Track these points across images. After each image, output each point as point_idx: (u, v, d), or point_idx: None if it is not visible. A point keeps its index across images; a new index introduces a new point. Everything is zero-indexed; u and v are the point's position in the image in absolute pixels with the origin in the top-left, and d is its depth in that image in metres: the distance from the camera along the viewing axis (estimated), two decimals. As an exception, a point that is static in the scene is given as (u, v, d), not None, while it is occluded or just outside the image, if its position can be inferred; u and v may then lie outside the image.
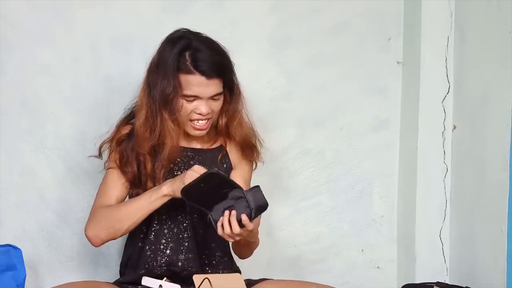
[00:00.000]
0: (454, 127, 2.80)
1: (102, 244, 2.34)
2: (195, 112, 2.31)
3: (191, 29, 2.37)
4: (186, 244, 2.36)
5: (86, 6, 2.74)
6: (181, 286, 2.26)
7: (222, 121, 2.38)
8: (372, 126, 2.94)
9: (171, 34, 2.35)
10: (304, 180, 2.90)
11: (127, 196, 2.40)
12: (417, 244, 2.82)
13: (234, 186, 2.18)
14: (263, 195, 2.16)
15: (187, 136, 2.38)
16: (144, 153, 2.33)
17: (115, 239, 2.36)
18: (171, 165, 2.36)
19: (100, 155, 2.42)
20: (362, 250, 2.94)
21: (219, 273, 2.37)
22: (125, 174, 2.36)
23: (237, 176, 2.44)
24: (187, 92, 2.28)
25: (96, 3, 2.75)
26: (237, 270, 2.44)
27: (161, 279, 2.29)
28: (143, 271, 2.33)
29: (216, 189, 2.16)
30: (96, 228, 2.31)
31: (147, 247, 2.35)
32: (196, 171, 2.21)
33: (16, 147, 2.71)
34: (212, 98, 2.31)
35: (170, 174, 2.35)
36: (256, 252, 2.79)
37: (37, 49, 2.72)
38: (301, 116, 2.90)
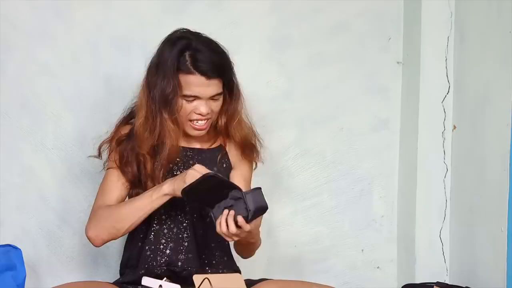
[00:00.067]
0: (454, 127, 2.80)
1: (103, 244, 2.34)
2: (194, 112, 2.31)
3: (191, 29, 2.37)
4: (186, 244, 2.36)
5: (86, 6, 2.74)
6: (181, 286, 2.26)
7: (222, 121, 2.38)
8: (372, 126, 2.94)
9: (170, 34, 2.34)
10: (304, 180, 2.90)
11: (127, 196, 2.39)
12: (417, 244, 2.82)
13: (233, 187, 2.18)
14: (263, 197, 2.16)
15: (187, 136, 2.37)
16: (144, 153, 2.33)
17: (116, 239, 2.36)
18: (170, 165, 2.36)
19: (99, 155, 2.42)
20: (362, 250, 2.94)
21: (219, 273, 2.37)
22: (125, 174, 2.36)
23: (237, 176, 2.44)
24: (187, 92, 2.28)
25: (96, 3, 2.75)
26: (237, 270, 2.44)
27: (161, 279, 2.29)
28: (143, 271, 2.33)
29: (216, 190, 2.16)
30: (97, 228, 2.31)
31: (147, 247, 2.35)
32: (198, 170, 2.21)
33: (16, 147, 2.71)
34: (212, 98, 2.31)
35: (170, 174, 2.35)
36: (256, 251, 2.80)
37: (37, 49, 2.72)
38: (301, 116, 2.90)
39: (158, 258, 2.34)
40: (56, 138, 2.74)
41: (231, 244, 2.44)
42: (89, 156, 2.48)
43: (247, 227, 2.15)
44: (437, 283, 2.58)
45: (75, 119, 2.74)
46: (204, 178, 2.15)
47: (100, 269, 2.76)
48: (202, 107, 2.30)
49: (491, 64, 2.57)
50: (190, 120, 2.32)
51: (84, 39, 2.75)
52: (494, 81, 2.55)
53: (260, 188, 2.17)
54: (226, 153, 2.44)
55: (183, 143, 2.39)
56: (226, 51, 2.34)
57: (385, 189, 2.95)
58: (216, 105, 2.34)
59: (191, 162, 2.38)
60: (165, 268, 2.33)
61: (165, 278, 2.30)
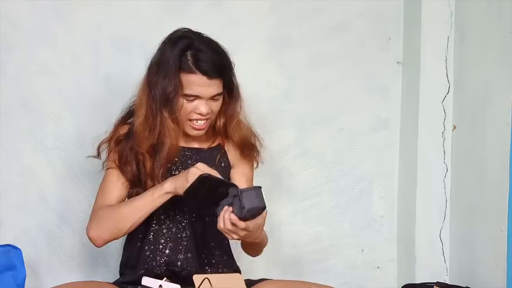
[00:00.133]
0: (454, 127, 2.80)
1: (105, 244, 2.34)
2: (194, 112, 2.31)
3: (192, 29, 2.37)
4: (185, 243, 2.36)
5: (86, 6, 2.74)
6: (181, 286, 2.26)
7: (220, 122, 2.39)
8: (372, 126, 2.94)
9: (172, 34, 2.34)
10: (304, 180, 2.90)
11: (127, 196, 2.39)
12: (417, 244, 2.82)
13: (231, 185, 2.18)
14: (262, 197, 2.15)
15: (185, 135, 2.37)
16: (143, 152, 2.33)
17: (117, 238, 2.36)
18: (169, 165, 2.36)
19: (98, 155, 2.42)
20: (362, 250, 2.94)
21: (219, 272, 2.37)
22: (124, 174, 2.36)
23: (238, 174, 2.44)
24: (188, 91, 2.28)
25: (96, 3, 2.75)
26: (237, 269, 2.44)
27: (161, 279, 2.29)
28: (142, 271, 2.33)
29: (215, 189, 2.16)
30: (99, 228, 2.31)
31: (146, 247, 2.35)
32: (200, 168, 2.21)
33: (16, 147, 2.71)
34: (212, 98, 2.31)
35: (168, 173, 2.35)
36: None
37: (37, 49, 2.72)
38: (301, 116, 2.90)
39: (158, 258, 2.34)
40: (56, 138, 2.74)
41: (232, 243, 2.44)
42: (88, 156, 2.48)
43: (241, 224, 2.15)
44: (437, 283, 2.58)
45: (75, 119, 2.74)
46: (200, 179, 2.16)
47: (100, 269, 2.76)
48: (202, 106, 2.30)
49: (491, 64, 2.57)
50: (190, 120, 2.32)
51: (84, 39, 2.75)
52: (494, 81, 2.55)
53: (259, 187, 2.17)
54: (225, 152, 2.44)
55: (182, 143, 2.39)
56: (226, 51, 2.34)
57: (385, 189, 2.95)
58: (216, 105, 2.34)
59: (189, 162, 2.38)
60: (164, 268, 2.33)
61: (165, 278, 2.30)
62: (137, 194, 2.34)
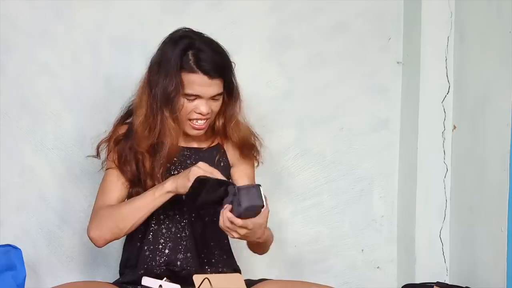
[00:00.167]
0: (454, 127, 2.80)
1: (106, 244, 2.34)
2: (195, 112, 2.31)
3: (193, 29, 2.37)
4: (184, 243, 2.36)
5: (86, 6, 2.74)
6: (181, 286, 2.26)
7: (219, 122, 2.39)
8: (372, 126, 2.94)
9: (173, 33, 2.35)
10: (304, 180, 2.90)
11: (127, 196, 2.39)
12: (417, 244, 2.82)
13: (228, 183, 2.18)
14: (260, 195, 2.15)
15: (185, 135, 2.37)
16: (142, 151, 2.33)
17: (118, 238, 2.35)
18: (168, 164, 2.36)
19: (98, 154, 2.42)
20: (362, 250, 2.94)
21: (218, 271, 2.37)
22: (124, 174, 2.36)
23: (240, 174, 2.44)
24: (188, 91, 2.29)
25: (96, 3, 2.75)
26: (237, 269, 2.44)
27: (161, 278, 2.29)
28: (142, 271, 2.33)
29: (215, 189, 2.16)
30: (100, 228, 2.31)
31: (146, 247, 2.35)
32: (201, 168, 2.21)
33: (16, 147, 2.71)
34: (213, 98, 2.32)
35: (167, 173, 2.35)
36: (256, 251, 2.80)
37: (37, 49, 2.72)
38: (301, 116, 2.90)
39: (157, 258, 2.34)
40: (56, 138, 2.74)
41: (232, 242, 2.44)
42: (88, 156, 2.48)
43: (238, 222, 2.15)
44: (437, 283, 2.58)
45: (75, 119, 2.74)
46: (198, 181, 2.16)
47: (100, 269, 2.76)
48: (202, 106, 2.30)
49: (491, 64, 2.57)
50: (190, 119, 2.33)
51: (84, 39, 2.75)
52: (494, 81, 2.55)
53: (258, 185, 2.16)
54: (224, 152, 2.44)
55: (181, 143, 2.38)
56: (227, 51, 2.35)
57: (385, 189, 2.95)
58: (216, 105, 2.34)
59: (188, 161, 2.38)
60: (164, 267, 2.33)
61: (165, 278, 2.30)
62: (137, 193, 2.34)
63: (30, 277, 2.56)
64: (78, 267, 2.76)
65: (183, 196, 2.21)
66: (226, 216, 2.15)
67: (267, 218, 2.22)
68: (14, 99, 2.71)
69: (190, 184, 2.17)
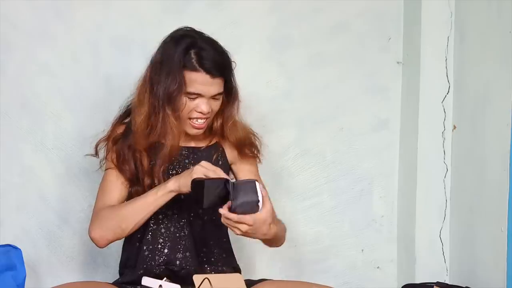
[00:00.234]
0: (454, 127, 2.80)
1: (108, 244, 2.33)
2: (195, 111, 2.31)
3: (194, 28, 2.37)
4: (184, 242, 2.36)
5: (86, 6, 2.74)
6: (180, 285, 2.26)
7: (217, 122, 2.39)
8: (372, 126, 2.94)
9: (174, 32, 2.35)
10: (304, 180, 2.90)
11: (127, 195, 2.39)
12: (417, 244, 2.82)
13: (224, 180, 2.17)
14: (255, 190, 2.15)
15: (183, 135, 2.38)
16: (140, 149, 2.34)
17: (120, 239, 2.35)
18: (166, 164, 2.36)
19: (96, 154, 2.42)
20: (362, 250, 2.94)
21: (218, 270, 2.37)
22: (123, 173, 2.36)
23: (245, 172, 2.44)
24: (190, 89, 2.29)
25: (96, 3, 2.75)
26: (237, 267, 2.43)
27: (160, 278, 2.29)
28: (141, 271, 2.33)
29: (214, 188, 2.16)
30: (102, 229, 2.31)
31: (145, 247, 2.35)
32: (204, 166, 2.22)
33: (16, 147, 2.71)
34: (213, 97, 2.32)
35: (166, 172, 2.36)
36: (256, 252, 2.81)
37: (37, 49, 2.72)
38: (301, 116, 2.90)
39: (157, 258, 2.34)
40: (56, 138, 2.74)
41: (233, 241, 2.44)
42: (86, 155, 2.48)
43: (232, 217, 2.15)
44: (437, 283, 2.58)
45: (75, 119, 2.74)
46: (195, 183, 2.16)
47: (100, 269, 2.76)
48: (203, 105, 2.31)
49: (491, 64, 2.57)
50: (190, 118, 2.33)
51: (84, 39, 2.75)
52: (494, 81, 2.55)
53: (253, 181, 2.16)
54: (223, 150, 2.44)
55: (180, 142, 2.39)
56: (227, 51, 2.35)
57: (385, 189, 2.95)
58: (216, 104, 2.34)
59: (186, 161, 2.39)
60: (163, 267, 2.33)
61: (165, 278, 2.30)
62: (137, 192, 2.34)
63: (30, 277, 2.56)
64: (78, 267, 2.76)
65: (196, 204, 2.20)
66: (219, 212, 2.15)
67: (271, 214, 2.20)
68: (14, 99, 2.71)
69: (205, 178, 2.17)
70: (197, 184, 2.16)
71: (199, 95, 2.30)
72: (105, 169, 2.40)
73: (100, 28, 2.75)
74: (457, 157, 2.77)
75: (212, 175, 2.19)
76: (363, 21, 2.91)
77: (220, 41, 2.35)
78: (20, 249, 2.35)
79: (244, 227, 2.17)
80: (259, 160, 2.49)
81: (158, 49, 2.34)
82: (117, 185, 2.36)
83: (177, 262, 2.34)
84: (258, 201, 2.15)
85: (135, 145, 2.34)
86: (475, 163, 2.64)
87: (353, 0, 2.90)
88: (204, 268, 2.36)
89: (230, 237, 2.44)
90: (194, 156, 2.39)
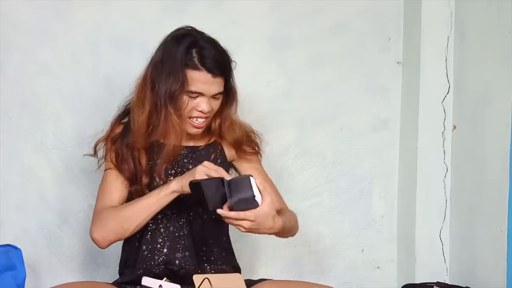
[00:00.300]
0: (454, 127, 2.80)
1: (110, 245, 2.33)
2: (196, 110, 2.32)
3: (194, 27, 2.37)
4: (183, 242, 2.36)
5: (86, 6, 2.74)
6: (180, 285, 2.26)
7: (216, 122, 2.40)
8: (372, 126, 2.94)
9: (175, 32, 2.35)
10: (304, 180, 2.90)
11: (127, 195, 2.39)
12: (417, 244, 2.82)
13: (220, 179, 2.17)
14: (250, 186, 2.15)
15: (185, 134, 2.38)
16: (139, 147, 2.34)
17: (122, 239, 2.36)
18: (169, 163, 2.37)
19: (95, 153, 2.42)
20: (362, 250, 2.94)
21: (218, 269, 2.37)
22: (122, 172, 2.36)
23: (249, 170, 2.44)
24: (192, 88, 2.29)
25: (96, 3, 2.75)
26: (237, 266, 2.44)
27: (159, 278, 2.29)
28: (141, 271, 2.33)
29: (213, 188, 2.16)
30: (104, 229, 2.31)
31: (144, 247, 2.36)
32: (206, 166, 2.22)
33: (16, 147, 2.71)
34: (214, 96, 2.32)
35: (166, 172, 2.36)
36: (256, 252, 2.81)
37: (37, 49, 2.72)
38: (301, 116, 2.90)
39: (156, 258, 2.34)
40: (56, 138, 2.74)
41: (233, 240, 2.44)
42: (85, 155, 2.48)
43: (231, 215, 2.15)
44: (437, 283, 2.58)
45: (75, 119, 2.74)
46: (191, 186, 2.16)
47: (100, 269, 2.76)
48: (204, 104, 2.31)
49: (491, 64, 2.57)
50: (190, 117, 2.33)
51: (84, 39, 2.75)
52: (494, 81, 2.55)
53: (247, 177, 2.16)
54: (222, 148, 2.44)
55: None
56: (228, 51, 2.35)
57: (385, 189, 2.95)
58: (216, 104, 2.35)
59: (185, 160, 2.39)
60: (163, 267, 2.34)
61: (165, 278, 2.30)
62: (136, 191, 2.35)
63: (30, 277, 2.56)
64: (78, 267, 2.76)
65: (201, 207, 2.20)
66: (218, 213, 2.15)
67: (272, 207, 2.19)
68: (14, 99, 2.71)
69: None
70: (195, 186, 2.16)
71: (200, 94, 2.30)
72: (105, 170, 2.40)
73: (100, 28, 2.75)
74: (457, 157, 2.77)
75: (214, 174, 2.20)
76: (363, 21, 2.91)
77: (220, 41, 2.35)
78: (20, 249, 2.36)
79: (246, 224, 2.17)
80: (260, 155, 2.49)
81: (159, 48, 2.34)
82: (117, 185, 2.36)
83: (177, 262, 2.34)
84: (254, 196, 2.15)
85: (134, 143, 2.34)
86: (475, 163, 2.64)
87: (353, 0, 2.90)
88: (204, 267, 2.36)
89: (231, 236, 2.44)
90: (193, 156, 2.39)
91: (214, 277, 2.19)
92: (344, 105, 2.91)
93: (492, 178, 2.53)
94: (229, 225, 2.37)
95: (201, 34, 2.35)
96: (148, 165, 2.35)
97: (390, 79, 2.94)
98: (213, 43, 2.33)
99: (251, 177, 2.16)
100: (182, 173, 2.35)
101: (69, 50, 2.74)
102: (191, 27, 2.36)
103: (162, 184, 2.33)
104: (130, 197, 2.37)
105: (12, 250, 2.35)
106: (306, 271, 2.88)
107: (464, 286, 2.55)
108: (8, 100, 2.70)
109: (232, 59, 2.35)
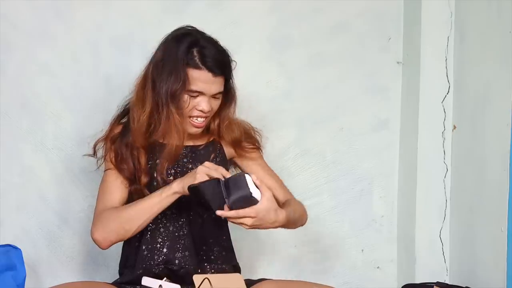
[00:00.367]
0: (454, 127, 2.80)
1: (111, 246, 2.33)
2: (196, 109, 2.32)
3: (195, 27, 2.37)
4: (183, 241, 2.36)
5: (86, 6, 2.74)
6: (180, 285, 2.26)
7: (215, 123, 2.40)
8: (372, 126, 2.94)
9: (175, 31, 2.35)
10: (304, 180, 2.90)
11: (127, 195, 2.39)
12: (417, 244, 2.82)
13: (217, 180, 2.17)
14: (246, 184, 2.15)
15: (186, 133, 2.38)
16: (138, 146, 2.34)
17: (123, 240, 2.35)
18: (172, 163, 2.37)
19: (94, 153, 2.42)
20: (362, 250, 2.94)
21: (217, 268, 2.37)
22: (122, 172, 2.36)
23: (252, 167, 2.45)
24: (192, 87, 2.30)
25: (96, 3, 2.75)
26: (236, 265, 2.43)
27: (159, 278, 2.29)
28: (140, 271, 2.33)
29: (213, 189, 2.16)
30: (105, 230, 2.31)
31: (144, 247, 2.36)
32: (207, 166, 2.22)
33: (16, 147, 2.71)
34: (214, 96, 2.33)
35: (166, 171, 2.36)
36: (256, 251, 2.80)
37: (37, 49, 2.72)
38: (301, 116, 2.90)
39: (156, 257, 2.34)
40: (56, 138, 2.74)
41: (234, 240, 2.44)
42: (84, 155, 2.48)
43: (230, 214, 2.15)
44: (437, 283, 2.58)
45: (75, 119, 2.74)
46: (189, 190, 2.17)
47: (100, 269, 2.76)
48: (204, 103, 2.31)
49: (491, 64, 2.57)
50: (190, 117, 2.33)
51: (84, 39, 2.75)
52: (494, 81, 2.55)
53: (242, 175, 2.16)
54: (221, 146, 2.44)
55: None
56: (228, 50, 2.35)
57: (385, 189, 2.95)
58: (216, 104, 2.35)
59: (185, 160, 2.39)
60: (162, 266, 2.34)
61: (165, 278, 2.30)
62: (136, 191, 2.35)
63: (30, 277, 2.56)
64: (78, 267, 2.76)
65: (206, 210, 2.20)
66: (217, 214, 2.16)
67: (272, 201, 2.19)
68: (14, 99, 2.71)
69: (197, 181, 2.17)
70: (194, 190, 2.16)
71: (200, 93, 2.31)
72: (105, 170, 2.40)
73: (100, 28, 2.75)
74: (457, 157, 2.77)
75: (214, 174, 2.20)
76: (363, 21, 2.91)
77: (220, 41, 2.36)
78: (20, 249, 2.36)
79: (248, 221, 2.17)
80: (261, 151, 2.49)
81: (159, 48, 2.35)
82: (117, 185, 2.36)
83: (176, 262, 2.34)
84: (251, 193, 2.15)
85: (133, 143, 2.34)
86: (475, 163, 2.64)
87: (353, 0, 2.90)
88: (204, 266, 2.36)
89: (231, 236, 2.44)
90: (192, 155, 2.40)
91: (214, 277, 2.19)
92: (344, 105, 2.91)
93: (492, 178, 2.53)
94: (229, 224, 2.37)
95: (202, 34, 2.35)
96: (147, 164, 2.35)
97: (390, 79, 2.94)
98: (213, 43, 2.34)
99: (246, 175, 2.16)
100: (181, 172, 2.35)
101: (69, 50, 2.74)
102: (192, 27, 2.36)
103: (162, 184, 2.33)
104: (130, 197, 2.37)
105: (12, 250, 2.35)
106: (306, 271, 2.88)
107: (464, 286, 2.55)
108: (8, 100, 2.70)
109: (232, 59, 2.35)
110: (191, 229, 2.37)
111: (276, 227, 2.27)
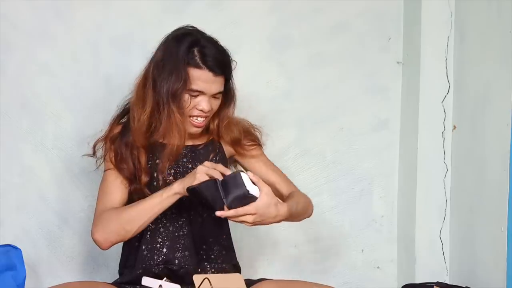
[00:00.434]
0: (454, 127, 2.80)
1: (111, 246, 2.33)
2: (196, 108, 2.32)
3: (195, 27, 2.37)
4: (182, 241, 2.36)
5: (86, 6, 2.74)
6: (180, 284, 2.26)
7: (214, 123, 2.40)
8: (372, 126, 2.94)
9: (176, 31, 2.35)
10: (304, 180, 2.89)
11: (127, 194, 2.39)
12: (417, 244, 2.82)
13: (214, 181, 2.17)
14: (242, 182, 2.14)
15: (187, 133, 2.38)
16: (138, 146, 2.34)
17: (123, 241, 2.35)
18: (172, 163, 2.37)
19: (94, 153, 2.42)
20: (362, 250, 2.94)
21: (217, 267, 2.37)
22: (121, 172, 2.36)
23: (255, 164, 2.45)
24: (193, 86, 2.30)
25: (96, 3, 2.75)
26: (236, 264, 2.43)
27: (159, 278, 2.29)
28: (140, 271, 2.33)
29: (212, 189, 2.16)
30: (106, 231, 2.31)
31: (144, 247, 2.35)
32: (207, 166, 2.22)
33: (16, 147, 2.71)
34: (214, 96, 2.33)
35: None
36: (256, 251, 2.81)
37: (37, 49, 2.72)
38: (301, 116, 2.90)
39: (155, 257, 2.34)
40: (56, 138, 2.74)
41: (234, 239, 2.44)
42: (83, 155, 2.48)
43: (230, 213, 2.15)
44: (437, 283, 2.58)
45: (75, 119, 2.74)
46: (188, 192, 2.17)
47: (100, 269, 2.76)
48: (204, 103, 2.31)
49: (491, 64, 2.57)
50: (190, 116, 2.33)
51: (84, 39, 2.75)
52: (494, 81, 2.55)
53: (238, 173, 2.16)
54: (221, 145, 2.44)
55: None
56: (228, 50, 2.36)
57: (385, 189, 2.95)
58: (216, 103, 2.35)
59: (184, 159, 2.39)
60: (162, 266, 2.33)
61: (165, 278, 2.30)
62: (136, 191, 2.35)
63: (30, 277, 2.56)
64: (78, 267, 2.76)
65: (209, 210, 2.21)
66: (216, 215, 2.16)
67: (271, 196, 2.19)
68: (14, 99, 2.71)
69: (197, 182, 2.17)
70: (193, 191, 2.16)
71: (201, 93, 2.31)
72: (105, 170, 2.40)
73: (100, 28, 2.75)
74: (457, 157, 2.77)
75: (215, 173, 2.20)
76: (363, 21, 2.91)
77: (220, 41, 2.35)
78: (20, 249, 2.36)
79: (249, 218, 2.17)
80: (262, 147, 2.49)
81: (160, 47, 2.35)
82: (118, 185, 2.36)
83: (176, 261, 2.34)
84: (248, 191, 2.15)
85: (134, 142, 2.34)
86: (475, 163, 2.64)
87: (353, 0, 2.90)
88: (204, 266, 2.36)
89: (232, 235, 2.44)
90: (192, 155, 2.40)
91: (214, 277, 2.19)
92: (344, 105, 2.91)
93: (492, 178, 2.53)
94: (230, 223, 2.37)
95: (202, 33, 2.35)
96: (147, 164, 2.35)
97: (390, 79, 2.94)
98: (214, 43, 2.34)
99: (241, 173, 2.16)
100: (181, 172, 2.35)
101: (69, 50, 2.74)
102: (192, 26, 2.36)
103: (163, 184, 2.33)
104: (130, 196, 2.37)
105: (12, 250, 2.35)
106: (306, 271, 2.88)
107: (464, 286, 2.55)
108: (8, 100, 2.70)
109: (233, 59, 2.35)
110: (191, 228, 2.37)
111: (279, 221, 2.26)
